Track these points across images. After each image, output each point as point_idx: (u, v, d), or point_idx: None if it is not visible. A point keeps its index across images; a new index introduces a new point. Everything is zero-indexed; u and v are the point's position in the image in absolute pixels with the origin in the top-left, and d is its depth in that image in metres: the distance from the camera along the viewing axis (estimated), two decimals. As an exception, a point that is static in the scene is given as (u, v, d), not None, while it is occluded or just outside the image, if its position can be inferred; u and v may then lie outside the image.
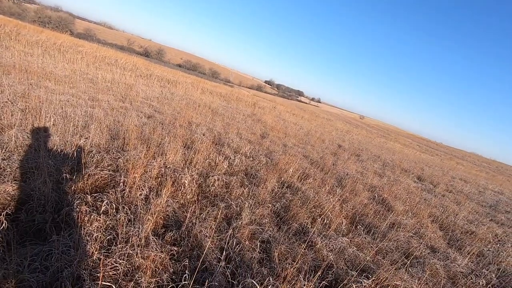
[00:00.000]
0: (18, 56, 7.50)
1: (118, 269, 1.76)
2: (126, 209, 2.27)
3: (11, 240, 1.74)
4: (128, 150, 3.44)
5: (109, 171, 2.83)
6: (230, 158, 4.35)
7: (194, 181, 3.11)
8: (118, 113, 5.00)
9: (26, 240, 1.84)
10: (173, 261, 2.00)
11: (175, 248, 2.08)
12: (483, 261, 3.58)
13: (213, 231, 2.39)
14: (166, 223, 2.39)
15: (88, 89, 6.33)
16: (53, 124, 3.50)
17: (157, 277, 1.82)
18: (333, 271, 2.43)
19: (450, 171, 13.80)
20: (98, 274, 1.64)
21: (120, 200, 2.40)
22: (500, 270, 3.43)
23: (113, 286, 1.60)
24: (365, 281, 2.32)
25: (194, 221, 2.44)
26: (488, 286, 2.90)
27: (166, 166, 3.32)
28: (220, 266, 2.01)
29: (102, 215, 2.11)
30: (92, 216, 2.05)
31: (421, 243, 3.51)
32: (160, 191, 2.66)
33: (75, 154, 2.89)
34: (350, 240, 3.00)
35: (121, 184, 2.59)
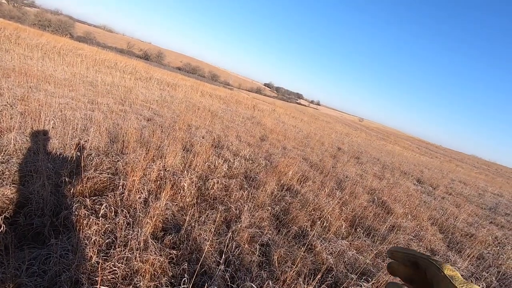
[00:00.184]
0: (17, 59, 7.51)
1: (117, 273, 1.75)
2: (125, 212, 2.27)
3: (9, 244, 1.73)
4: (127, 153, 3.44)
5: (108, 174, 2.82)
6: (230, 161, 4.34)
7: (194, 184, 3.11)
8: (117, 116, 5.00)
9: (24, 244, 1.83)
10: (172, 264, 1.99)
11: (174, 252, 2.07)
12: (483, 263, 3.57)
13: (212, 234, 2.39)
14: (165, 226, 2.38)
15: (87, 92, 6.33)
16: (52, 127, 3.50)
17: (156, 280, 1.81)
18: (333, 274, 2.42)
19: (449, 173, 13.81)
20: (97, 278, 1.63)
21: (119, 203, 2.39)
22: (500, 273, 3.42)
23: (112, 290, 1.60)
24: (365, 284, 2.31)
25: (193, 224, 2.43)
26: (488, 289, 2.89)
27: (165, 169, 3.32)
28: (219, 269, 2.01)
29: (101, 218, 2.10)
30: (91, 220, 2.05)
31: (421, 245, 3.51)
32: (159, 194, 2.66)
33: (74, 157, 2.89)
34: (350, 243, 2.99)
35: (120, 187, 2.58)
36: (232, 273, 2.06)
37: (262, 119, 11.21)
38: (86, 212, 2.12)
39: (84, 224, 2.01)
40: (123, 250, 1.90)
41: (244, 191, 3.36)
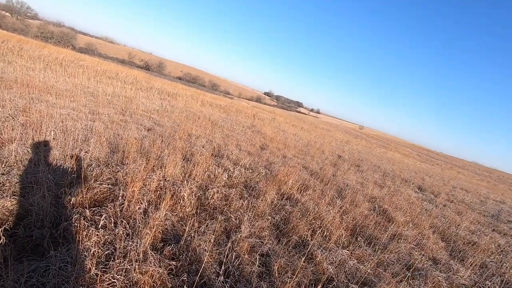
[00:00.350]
0: (20, 71, 7.61)
1: (116, 285, 1.75)
2: (125, 223, 2.27)
3: (9, 256, 1.73)
4: (127, 163, 3.45)
5: (108, 184, 2.83)
6: (230, 170, 4.35)
7: (193, 194, 3.11)
8: (118, 126, 5.04)
9: (23, 256, 1.83)
10: (171, 276, 1.98)
11: (174, 263, 2.07)
12: (486, 272, 3.53)
13: (212, 244, 2.38)
14: (165, 237, 2.37)
15: (88, 102, 6.39)
16: (53, 138, 3.52)
17: (155, 292, 1.80)
18: (334, 284, 2.40)
19: (451, 180, 13.75)
20: (95, 290, 1.62)
21: (119, 214, 2.39)
22: (504, 282, 3.38)
23: (110, 303, 1.59)
24: (366, 294, 2.29)
25: (193, 234, 2.42)
26: (492, 298, 2.86)
27: (165, 179, 3.32)
28: (219, 280, 1.99)
29: (100, 229, 2.10)
30: (90, 231, 2.05)
31: (423, 254, 3.48)
32: (159, 204, 2.66)
33: (74, 168, 2.90)
34: (351, 252, 2.97)
35: (120, 197, 2.58)
36: (232, 284, 2.05)
37: (262, 127, 11.25)
38: (85, 223, 2.12)
39: (84, 236, 2.01)
40: (122, 262, 1.90)
41: (244, 201, 3.35)
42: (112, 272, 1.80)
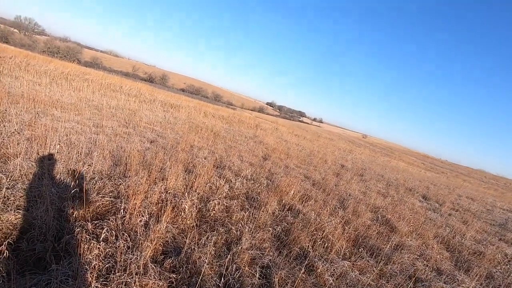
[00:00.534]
0: (26, 86, 7.79)
1: (116, 298, 1.76)
2: (126, 236, 2.29)
3: (11, 270, 1.75)
4: (129, 176, 3.50)
5: (110, 197, 2.87)
6: (231, 181, 4.37)
7: (195, 206, 3.13)
8: (121, 139, 5.11)
9: (26, 270, 1.85)
10: (171, 288, 1.99)
11: (174, 276, 2.07)
12: (492, 283, 3.47)
13: (212, 256, 2.38)
14: (165, 249, 2.39)
15: (93, 115, 6.51)
16: (58, 152, 3.59)
17: (155, 306, 1.81)
18: (335, 296, 2.38)
19: (456, 189, 13.60)
20: (96, 304, 1.63)
21: (120, 227, 2.42)
22: (511, 293, 3.31)
23: (110, 316, 1.59)
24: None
25: (193, 247, 2.44)
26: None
27: (167, 191, 3.35)
28: (219, 293, 1.99)
29: (101, 242, 2.12)
30: (92, 244, 2.07)
31: (427, 265, 3.43)
32: (160, 217, 2.68)
33: (77, 182, 2.95)
34: (353, 264, 2.94)
35: (122, 210, 2.62)
36: (232, 297, 2.05)
37: (265, 138, 11.30)
38: (87, 236, 2.14)
39: (85, 249, 2.03)
40: (123, 275, 1.91)
41: (245, 212, 3.36)
42: (112, 285, 1.82)
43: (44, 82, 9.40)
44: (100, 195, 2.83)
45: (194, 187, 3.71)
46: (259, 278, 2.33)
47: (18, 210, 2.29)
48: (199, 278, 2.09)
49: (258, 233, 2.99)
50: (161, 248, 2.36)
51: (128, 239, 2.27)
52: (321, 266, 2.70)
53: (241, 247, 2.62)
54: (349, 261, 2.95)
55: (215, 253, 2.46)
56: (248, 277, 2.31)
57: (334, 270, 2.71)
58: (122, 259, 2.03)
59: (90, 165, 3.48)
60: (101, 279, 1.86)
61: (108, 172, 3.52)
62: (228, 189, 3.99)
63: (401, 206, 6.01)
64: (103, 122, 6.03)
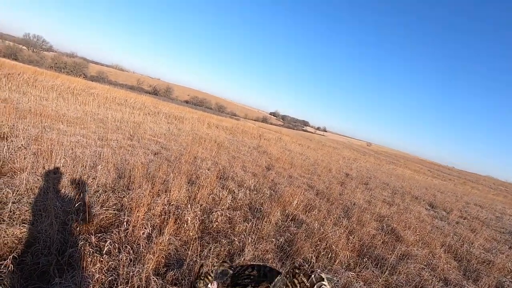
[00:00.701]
0: (34, 101, 7.96)
1: (118, 312, 1.76)
2: (129, 248, 2.30)
3: (16, 284, 1.77)
4: (133, 188, 3.53)
5: (114, 210, 2.90)
6: (234, 192, 4.38)
7: (197, 217, 3.14)
8: (125, 151, 5.17)
9: (30, 284, 1.87)
10: (173, 301, 1.99)
11: (176, 288, 2.07)
12: (502, 293, 3.39)
13: (215, 268, 2.38)
14: (168, 261, 2.39)
15: (98, 129, 6.61)
16: (63, 166, 3.65)
17: (157, 319, 1.80)
18: (340, 308, 2.35)
19: (464, 196, 13.39)
20: (98, 318, 1.64)
21: (123, 240, 2.44)
22: (522, 303, 3.23)
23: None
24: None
25: (195, 259, 2.44)
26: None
27: (169, 203, 3.37)
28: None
29: (104, 255, 2.14)
30: (95, 257, 2.09)
31: (434, 275, 3.37)
32: (163, 229, 2.69)
33: (82, 195, 2.99)
34: (357, 274, 2.91)
35: (125, 223, 2.64)
36: (234, 310, 2.03)
37: (268, 148, 11.32)
38: (90, 249, 2.16)
39: (88, 262, 2.05)
40: (125, 288, 1.92)
41: (248, 223, 3.36)
42: (115, 299, 1.82)
43: (51, 97, 9.60)
44: (104, 208, 2.86)
45: (197, 198, 3.73)
46: (262, 290, 2.31)
47: (23, 224, 2.33)
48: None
49: (261, 244, 2.97)
50: (163, 261, 2.36)
51: (131, 251, 2.29)
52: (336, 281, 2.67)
53: (244, 259, 2.62)
54: (354, 272, 2.92)
55: (217, 265, 2.46)
56: (250, 289, 2.29)
57: (338, 281, 2.68)
58: (124, 272, 2.04)
59: (94, 178, 3.53)
60: (104, 293, 1.87)
61: (112, 185, 3.56)
62: (231, 200, 4.00)
63: (407, 214, 5.94)
64: (108, 135, 6.12)
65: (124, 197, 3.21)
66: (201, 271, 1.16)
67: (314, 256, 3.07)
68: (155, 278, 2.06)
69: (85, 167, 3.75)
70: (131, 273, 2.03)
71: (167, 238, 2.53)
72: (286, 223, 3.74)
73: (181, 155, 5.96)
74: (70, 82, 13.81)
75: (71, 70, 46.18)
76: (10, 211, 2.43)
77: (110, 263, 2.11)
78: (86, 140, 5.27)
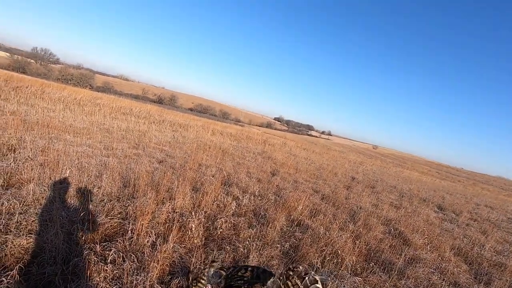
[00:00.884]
0: (41, 113, 8.11)
1: (123, 321, 1.76)
2: (133, 257, 2.31)
3: (21, 294, 1.79)
4: (138, 196, 3.55)
5: (119, 219, 2.91)
6: (239, 198, 4.37)
7: (202, 224, 3.14)
8: (131, 160, 5.22)
9: (35, 294, 1.88)
10: (178, 310, 1.98)
11: (181, 296, 2.07)
12: (515, 297, 3.30)
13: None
14: (172, 269, 2.39)
15: (104, 138, 6.69)
16: (69, 176, 3.69)
17: (162, 328, 1.80)
18: (347, 314, 2.31)
19: (474, 197, 13.15)
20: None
21: (128, 248, 2.45)
22: (537, 307, 3.13)
23: None
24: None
25: (199, 266, 2.43)
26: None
27: (174, 211, 3.38)
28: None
29: (109, 264, 2.15)
30: (100, 266, 2.10)
31: (443, 279, 3.30)
32: (167, 236, 2.70)
33: (87, 204, 3.01)
34: (364, 279, 2.86)
35: (129, 231, 2.65)
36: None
37: (273, 153, 11.31)
38: (95, 258, 2.18)
39: (93, 271, 2.06)
40: (130, 297, 1.92)
41: (252, 229, 3.34)
42: (119, 308, 1.83)
43: (58, 109, 9.77)
44: (108, 217, 2.88)
45: (201, 205, 3.73)
46: (267, 297, 2.29)
47: (30, 235, 2.36)
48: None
49: (266, 250, 2.96)
50: (168, 269, 2.36)
51: (135, 260, 2.29)
52: (330, 283, 2.63)
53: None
54: (361, 277, 2.87)
55: (222, 272, 2.44)
56: (255, 296, 2.27)
57: (344, 287, 2.64)
58: (128, 281, 2.04)
59: (99, 187, 3.56)
60: (108, 302, 1.88)
61: (117, 194, 3.58)
62: (236, 206, 3.99)
63: (415, 217, 5.85)
64: (114, 144, 6.19)
65: (129, 205, 3.23)
66: (190, 278, 1.17)
67: (320, 262, 3.04)
68: (159, 287, 2.06)
69: (90, 177, 3.80)
70: (135, 282, 2.03)
71: (171, 246, 2.53)
72: (291, 229, 3.72)
73: (186, 162, 5.98)
74: (76, 93, 14.06)
75: (78, 82, 47.08)
76: (17, 222, 2.47)
77: (114, 272, 2.12)
78: (92, 150, 5.33)
